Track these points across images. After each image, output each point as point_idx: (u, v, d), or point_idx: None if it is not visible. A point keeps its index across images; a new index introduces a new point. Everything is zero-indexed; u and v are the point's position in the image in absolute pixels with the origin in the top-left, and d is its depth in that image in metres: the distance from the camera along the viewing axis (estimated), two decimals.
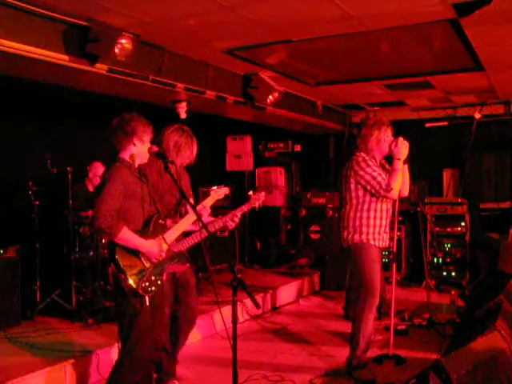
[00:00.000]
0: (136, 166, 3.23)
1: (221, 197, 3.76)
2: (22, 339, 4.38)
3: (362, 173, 4.08)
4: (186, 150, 3.79)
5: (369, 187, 4.08)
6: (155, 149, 3.24)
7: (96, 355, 4.08)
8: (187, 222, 3.43)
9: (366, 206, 4.13)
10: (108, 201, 2.98)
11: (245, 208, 3.76)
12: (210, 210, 3.69)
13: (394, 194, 4.08)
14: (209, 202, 3.64)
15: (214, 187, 3.72)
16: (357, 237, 4.13)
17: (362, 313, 4.15)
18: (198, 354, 4.84)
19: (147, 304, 3.06)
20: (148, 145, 3.23)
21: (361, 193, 4.13)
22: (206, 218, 3.66)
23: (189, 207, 3.58)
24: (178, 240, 3.50)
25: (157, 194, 3.54)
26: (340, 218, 4.34)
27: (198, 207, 3.50)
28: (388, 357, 4.46)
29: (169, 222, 3.42)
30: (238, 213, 3.70)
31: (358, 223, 4.14)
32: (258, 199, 3.77)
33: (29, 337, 4.44)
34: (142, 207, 3.17)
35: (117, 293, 3.13)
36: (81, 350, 4.13)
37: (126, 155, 3.20)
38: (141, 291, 3.04)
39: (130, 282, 3.02)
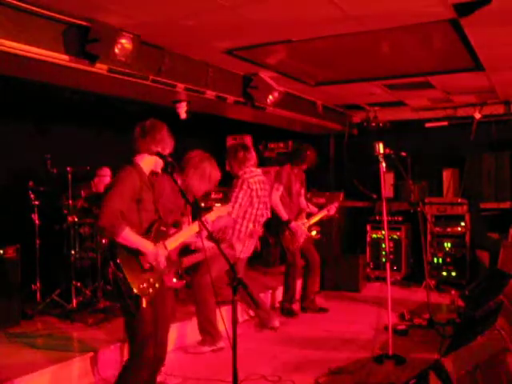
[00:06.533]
0: (147, 172, 3.26)
1: (223, 213, 3.87)
2: (22, 339, 4.38)
3: None
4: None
5: None
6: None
7: (96, 355, 4.09)
8: (189, 232, 3.44)
9: None
10: (115, 201, 3.02)
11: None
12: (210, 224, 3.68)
13: None
14: (211, 217, 3.67)
15: (218, 204, 3.81)
16: None
17: None
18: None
19: (144, 306, 3.06)
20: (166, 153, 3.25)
21: None
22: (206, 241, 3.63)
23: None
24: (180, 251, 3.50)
25: (169, 206, 3.56)
26: None
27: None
28: (388, 357, 4.47)
29: (172, 230, 3.43)
30: None
31: None
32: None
33: (29, 337, 4.44)
34: (145, 213, 3.19)
35: (114, 292, 3.14)
36: (81, 350, 4.14)
37: (140, 160, 3.24)
38: (138, 292, 3.04)
39: (128, 281, 3.03)
